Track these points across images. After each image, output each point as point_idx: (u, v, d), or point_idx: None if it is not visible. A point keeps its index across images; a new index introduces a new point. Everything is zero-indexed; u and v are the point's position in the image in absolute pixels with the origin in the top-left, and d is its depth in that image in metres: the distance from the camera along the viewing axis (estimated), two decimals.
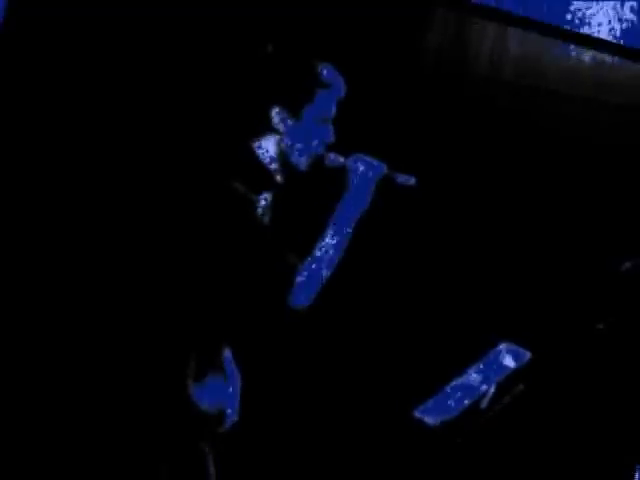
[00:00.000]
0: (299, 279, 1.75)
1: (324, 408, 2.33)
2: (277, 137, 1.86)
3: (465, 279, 2.44)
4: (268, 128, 1.86)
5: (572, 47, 2.45)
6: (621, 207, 2.52)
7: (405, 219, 2.34)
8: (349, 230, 1.81)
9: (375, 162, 1.85)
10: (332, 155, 1.87)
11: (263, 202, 1.85)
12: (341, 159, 1.86)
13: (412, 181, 1.88)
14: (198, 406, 1.81)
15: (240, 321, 1.88)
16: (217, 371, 1.86)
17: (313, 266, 1.77)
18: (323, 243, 1.78)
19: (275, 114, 1.84)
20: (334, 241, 1.79)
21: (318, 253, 1.78)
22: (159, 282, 1.84)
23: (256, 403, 2.03)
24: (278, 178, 1.88)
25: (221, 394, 1.85)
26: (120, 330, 2.27)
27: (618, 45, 2.51)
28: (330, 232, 1.80)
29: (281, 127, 1.85)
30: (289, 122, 1.85)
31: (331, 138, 1.87)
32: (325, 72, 1.85)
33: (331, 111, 1.86)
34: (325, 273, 1.77)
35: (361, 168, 1.83)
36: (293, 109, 1.84)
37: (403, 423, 2.15)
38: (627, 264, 2.22)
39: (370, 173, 1.84)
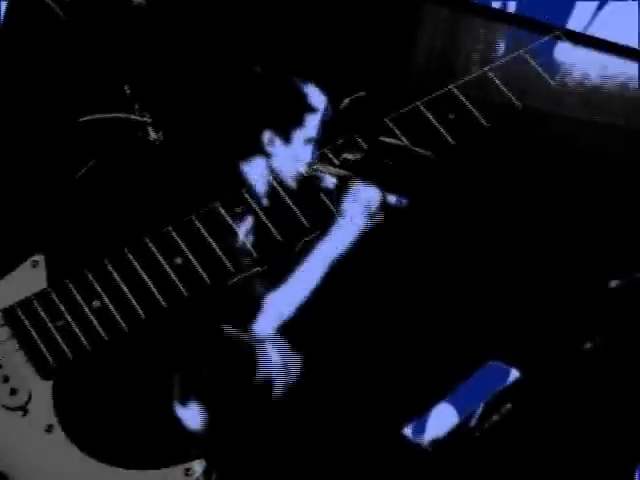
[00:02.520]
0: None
1: (313, 429, 2.31)
2: (266, 159, 1.87)
3: (453, 300, 2.43)
4: (258, 150, 1.87)
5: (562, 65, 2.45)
6: (608, 226, 2.52)
7: (396, 240, 2.34)
8: (339, 254, 1.81)
9: (366, 183, 1.86)
10: (322, 176, 1.87)
11: (249, 224, 1.86)
12: (331, 181, 1.87)
13: (404, 202, 1.88)
14: (184, 427, 1.82)
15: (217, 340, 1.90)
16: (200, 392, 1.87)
17: (302, 291, 1.77)
18: (311, 267, 1.79)
19: (265, 137, 1.84)
20: (323, 265, 1.79)
21: (307, 277, 1.79)
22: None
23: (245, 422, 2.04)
24: (265, 200, 1.89)
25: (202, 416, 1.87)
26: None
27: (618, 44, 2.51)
28: (319, 255, 1.80)
29: (270, 149, 1.86)
30: (278, 145, 1.86)
31: (313, 158, 1.87)
32: (313, 95, 1.86)
33: (317, 133, 1.87)
34: (315, 296, 1.78)
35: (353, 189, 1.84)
36: (283, 132, 1.85)
37: (392, 443, 2.15)
38: (615, 282, 2.22)
39: (362, 194, 1.85)
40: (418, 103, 2.15)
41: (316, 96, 1.88)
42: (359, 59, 2.49)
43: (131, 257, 1.83)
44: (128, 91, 1.91)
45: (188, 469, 1.80)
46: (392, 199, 1.89)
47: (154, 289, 1.82)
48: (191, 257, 1.84)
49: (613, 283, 2.26)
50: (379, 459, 2.32)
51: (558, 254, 2.53)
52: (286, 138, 1.86)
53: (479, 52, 2.55)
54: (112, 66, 2.31)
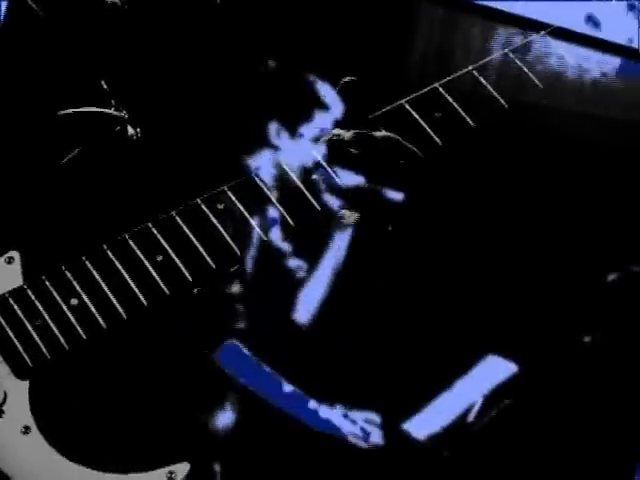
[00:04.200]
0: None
1: (308, 428, 2.28)
2: (273, 152, 1.88)
3: (451, 294, 2.40)
4: (265, 143, 1.87)
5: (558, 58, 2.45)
6: (605, 221, 2.49)
7: (393, 235, 2.32)
8: (341, 249, 1.83)
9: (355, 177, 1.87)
10: (322, 170, 1.87)
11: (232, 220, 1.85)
12: (331, 174, 1.87)
13: (400, 197, 1.89)
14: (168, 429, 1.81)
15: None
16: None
17: (307, 286, 1.79)
18: (315, 261, 1.80)
19: (273, 129, 1.86)
20: (326, 259, 1.80)
21: (310, 272, 1.80)
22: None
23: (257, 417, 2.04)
24: (271, 193, 1.89)
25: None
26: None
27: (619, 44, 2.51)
28: (323, 251, 1.81)
29: (277, 142, 1.87)
30: (286, 138, 1.87)
31: (324, 157, 1.88)
32: (325, 94, 1.88)
33: (327, 131, 1.88)
34: (320, 291, 1.79)
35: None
36: (291, 126, 1.86)
37: (390, 437, 2.12)
38: (613, 276, 2.21)
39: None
40: (403, 101, 2.13)
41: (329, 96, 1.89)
42: (351, 55, 2.49)
43: (110, 254, 1.80)
44: (105, 87, 1.90)
45: (171, 472, 1.76)
46: (389, 193, 1.89)
47: (134, 287, 1.78)
48: (172, 254, 1.81)
49: (611, 277, 2.25)
50: (377, 455, 2.29)
51: (555, 248, 2.52)
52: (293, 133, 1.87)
53: (470, 51, 2.55)
54: (89, 61, 2.30)
